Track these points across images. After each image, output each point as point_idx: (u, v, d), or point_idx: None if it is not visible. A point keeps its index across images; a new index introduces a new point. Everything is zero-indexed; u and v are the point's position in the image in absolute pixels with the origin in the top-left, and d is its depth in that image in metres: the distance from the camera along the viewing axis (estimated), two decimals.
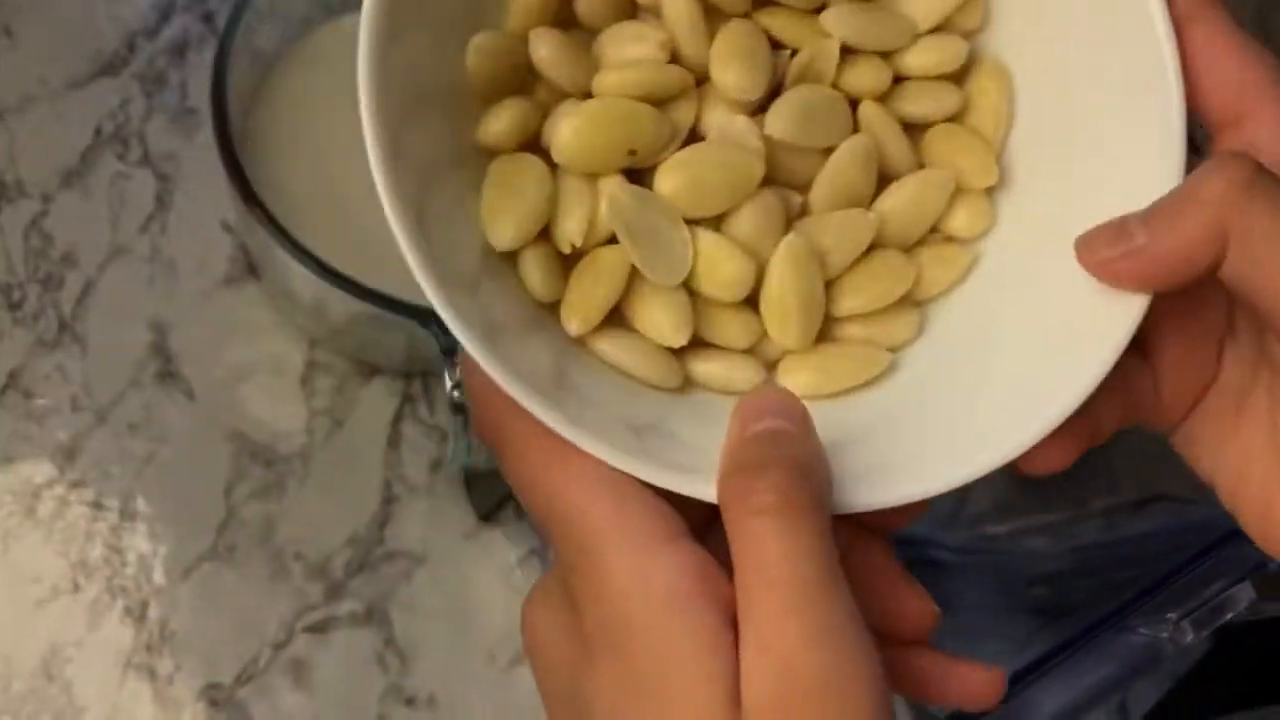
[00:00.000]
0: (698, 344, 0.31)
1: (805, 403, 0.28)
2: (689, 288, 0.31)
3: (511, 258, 0.31)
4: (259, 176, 0.47)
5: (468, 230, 0.31)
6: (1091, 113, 0.32)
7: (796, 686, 0.23)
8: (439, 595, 0.52)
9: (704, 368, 0.31)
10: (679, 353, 0.31)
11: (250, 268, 0.54)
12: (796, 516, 0.25)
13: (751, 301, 0.31)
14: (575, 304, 0.31)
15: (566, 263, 0.31)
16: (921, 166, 0.33)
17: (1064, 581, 0.48)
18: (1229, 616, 0.38)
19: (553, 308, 0.31)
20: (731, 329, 0.31)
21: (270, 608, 0.51)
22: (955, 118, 0.33)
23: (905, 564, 0.46)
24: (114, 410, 0.52)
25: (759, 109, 0.32)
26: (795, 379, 0.31)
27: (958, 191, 0.33)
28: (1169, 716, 0.54)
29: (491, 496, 0.52)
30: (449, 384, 0.42)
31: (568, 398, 0.28)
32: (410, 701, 0.50)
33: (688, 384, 0.32)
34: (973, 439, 0.29)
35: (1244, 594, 0.38)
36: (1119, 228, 0.29)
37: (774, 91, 0.32)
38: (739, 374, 0.31)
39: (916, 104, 0.33)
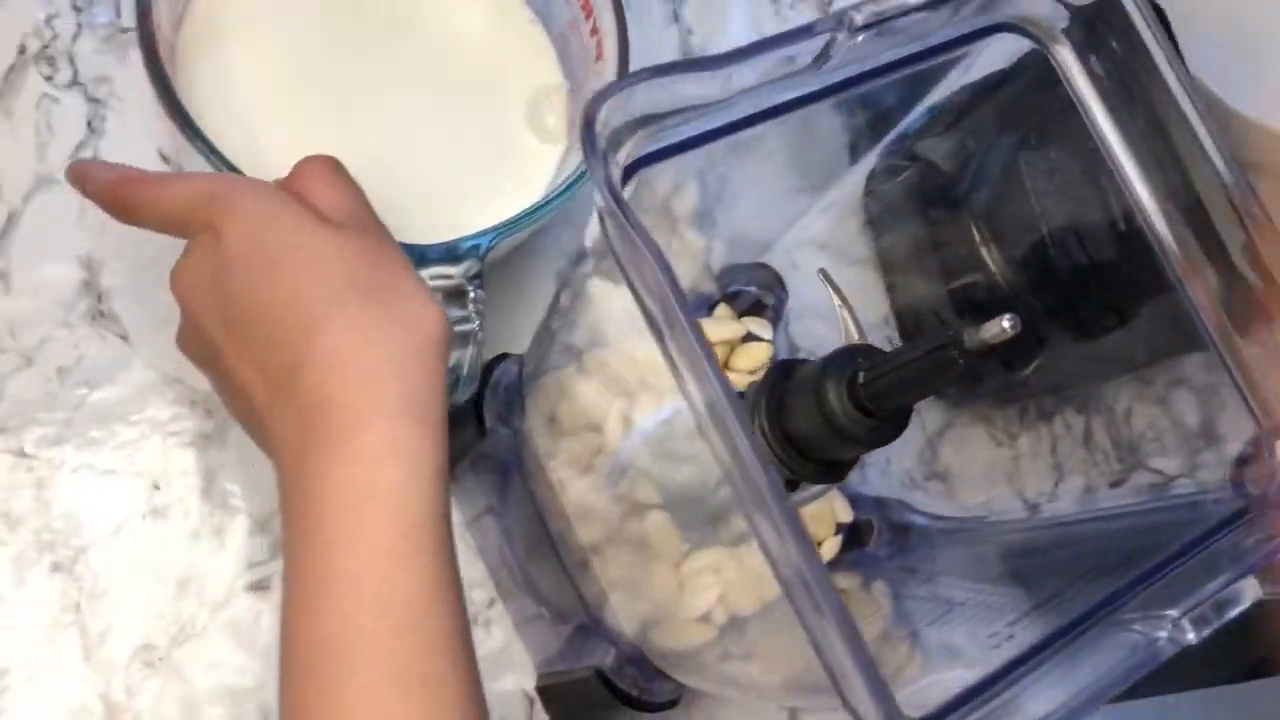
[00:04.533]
0: None
1: None
2: None
3: None
4: (196, 95, 0.43)
5: None
6: None
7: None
8: None
9: None
10: None
11: None
12: None
13: None
14: None
15: None
16: None
17: (1041, 554, 0.45)
18: (1231, 614, 0.35)
19: None
20: None
21: (209, 565, 0.47)
22: None
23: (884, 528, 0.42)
24: (41, 352, 0.48)
25: None
26: None
27: None
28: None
29: (459, 446, 0.48)
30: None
31: None
32: None
33: None
34: None
35: (1248, 590, 0.36)
36: None
37: None
38: None
39: None
